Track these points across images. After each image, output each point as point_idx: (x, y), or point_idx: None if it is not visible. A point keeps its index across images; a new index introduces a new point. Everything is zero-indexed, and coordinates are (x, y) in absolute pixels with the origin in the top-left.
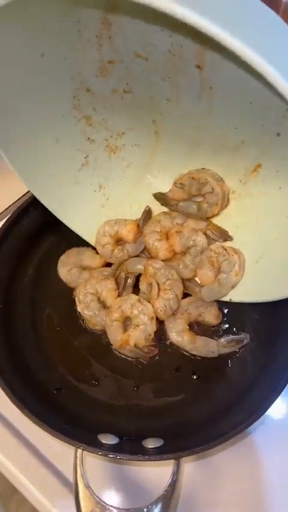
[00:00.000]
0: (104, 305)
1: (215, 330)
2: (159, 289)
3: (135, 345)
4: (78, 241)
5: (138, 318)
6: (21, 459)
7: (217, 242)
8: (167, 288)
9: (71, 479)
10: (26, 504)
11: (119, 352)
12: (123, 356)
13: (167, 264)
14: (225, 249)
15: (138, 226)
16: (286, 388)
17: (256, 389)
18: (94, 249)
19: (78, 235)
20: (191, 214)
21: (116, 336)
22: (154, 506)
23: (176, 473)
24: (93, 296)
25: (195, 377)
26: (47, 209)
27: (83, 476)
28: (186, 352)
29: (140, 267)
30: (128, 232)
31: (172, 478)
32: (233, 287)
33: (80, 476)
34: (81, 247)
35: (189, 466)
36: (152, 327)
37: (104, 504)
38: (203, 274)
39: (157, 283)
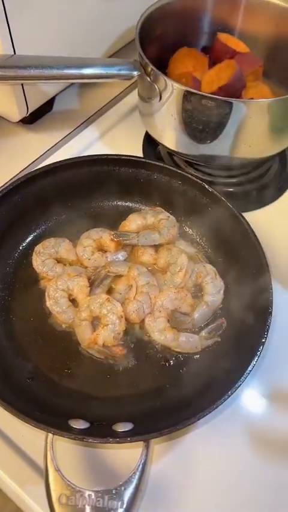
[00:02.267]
0: (73, 303)
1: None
2: (136, 292)
3: (103, 345)
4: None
5: (107, 317)
6: None
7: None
8: (144, 290)
9: (42, 465)
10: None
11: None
12: None
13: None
14: (215, 273)
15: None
16: (254, 370)
17: (224, 372)
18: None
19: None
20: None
21: (84, 335)
22: (123, 488)
23: (146, 456)
24: (63, 292)
25: (167, 364)
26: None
27: (53, 460)
28: (171, 350)
29: (122, 269)
30: (110, 241)
31: (141, 460)
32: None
33: (50, 460)
34: (59, 238)
35: (161, 447)
36: (120, 326)
37: (73, 487)
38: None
39: (136, 286)
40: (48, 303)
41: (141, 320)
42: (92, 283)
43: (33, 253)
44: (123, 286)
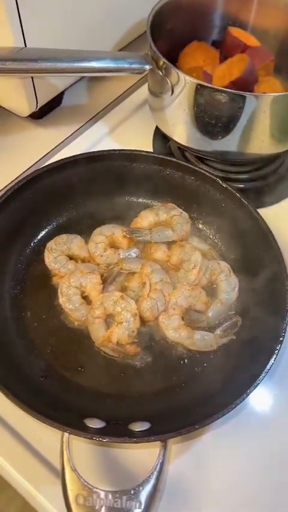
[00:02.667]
0: (86, 300)
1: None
2: (150, 290)
3: (117, 343)
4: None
5: (121, 315)
6: (7, 447)
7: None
8: (158, 287)
9: (58, 466)
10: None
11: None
12: None
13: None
14: (229, 270)
15: None
16: (272, 369)
17: (241, 372)
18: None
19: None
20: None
21: (98, 333)
22: (141, 488)
23: (163, 456)
24: (76, 289)
25: (182, 362)
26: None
27: (69, 460)
28: (186, 348)
29: (135, 266)
30: (123, 238)
31: (159, 460)
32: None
33: (66, 460)
34: (72, 234)
35: (178, 448)
36: (135, 324)
37: (91, 487)
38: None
39: (150, 283)
40: (61, 300)
41: (155, 318)
42: (105, 280)
43: (45, 250)
44: (136, 284)
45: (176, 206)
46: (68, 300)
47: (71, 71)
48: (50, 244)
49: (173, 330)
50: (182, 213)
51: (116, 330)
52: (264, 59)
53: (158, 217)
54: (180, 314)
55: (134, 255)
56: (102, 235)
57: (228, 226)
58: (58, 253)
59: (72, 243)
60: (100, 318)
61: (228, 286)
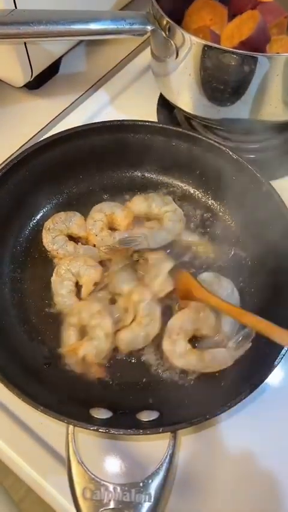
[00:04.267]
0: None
1: None
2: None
3: (84, 358)
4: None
5: (95, 331)
6: (12, 436)
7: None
8: (143, 322)
9: (64, 454)
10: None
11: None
12: None
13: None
14: (216, 276)
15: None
16: (285, 357)
17: (253, 360)
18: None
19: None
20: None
21: (67, 340)
22: (150, 481)
23: (173, 447)
24: (72, 276)
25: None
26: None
27: (75, 452)
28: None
29: (124, 288)
30: (123, 218)
31: (168, 451)
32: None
33: (72, 452)
34: (70, 212)
35: (187, 439)
36: (106, 344)
37: (98, 480)
38: None
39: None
40: (53, 279)
41: (130, 351)
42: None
43: (43, 230)
44: (121, 307)
45: (172, 201)
46: (60, 282)
47: (66, 34)
48: (48, 223)
49: (180, 356)
50: (176, 209)
51: (85, 344)
52: (277, 15)
53: (150, 209)
54: (185, 338)
55: (131, 240)
56: (101, 212)
57: (239, 200)
58: (56, 233)
59: (71, 221)
60: (74, 326)
61: (225, 290)
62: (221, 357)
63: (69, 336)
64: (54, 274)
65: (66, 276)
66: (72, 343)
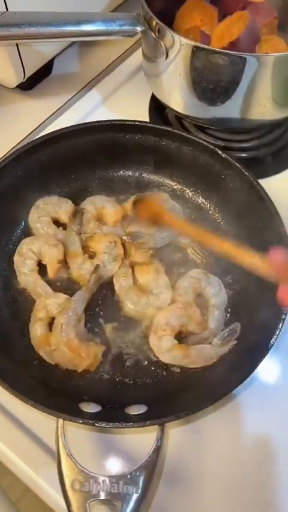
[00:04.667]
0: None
1: None
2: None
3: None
4: None
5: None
6: (4, 431)
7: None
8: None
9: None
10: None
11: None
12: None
13: None
14: (205, 273)
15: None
16: (271, 351)
17: (241, 353)
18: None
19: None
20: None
21: (35, 333)
22: (138, 473)
23: (160, 439)
24: (33, 255)
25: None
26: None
27: (65, 446)
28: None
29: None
30: (113, 214)
31: (156, 444)
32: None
33: (62, 446)
34: (63, 198)
35: (175, 432)
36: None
37: (87, 472)
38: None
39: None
40: (16, 258)
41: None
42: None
43: (32, 207)
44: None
45: (169, 198)
46: (22, 261)
47: (57, 36)
48: (39, 202)
49: (166, 352)
50: (175, 206)
51: (54, 333)
52: (267, 15)
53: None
54: (172, 334)
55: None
56: (92, 205)
57: (229, 198)
58: (43, 214)
59: (61, 207)
60: (42, 320)
61: (213, 288)
62: (206, 353)
63: (36, 330)
64: (16, 254)
65: (28, 254)
66: (40, 334)
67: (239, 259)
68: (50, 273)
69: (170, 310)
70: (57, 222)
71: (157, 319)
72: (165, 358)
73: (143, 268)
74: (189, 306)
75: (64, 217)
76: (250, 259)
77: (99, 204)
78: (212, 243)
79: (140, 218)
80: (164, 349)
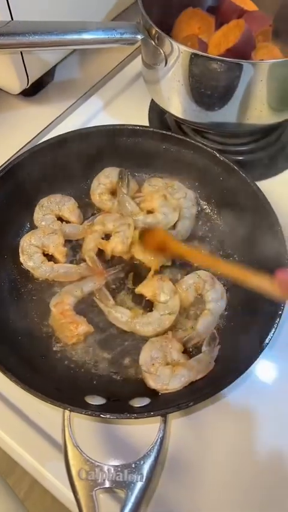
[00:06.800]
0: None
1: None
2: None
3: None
4: None
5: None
6: (10, 425)
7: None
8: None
9: (61, 441)
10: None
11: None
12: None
13: None
14: (212, 278)
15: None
16: (268, 347)
17: (240, 347)
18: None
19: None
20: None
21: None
22: (142, 462)
23: (163, 430)
24: (36, 248)
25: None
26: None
27: (71, 437)
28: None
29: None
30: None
31: (159, 434)
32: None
33: (68, 436)
34: (66, 196)
35: (177, 423)
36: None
37: (93, 462)
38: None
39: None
40: (22, 258)
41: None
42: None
43: (37, 206)
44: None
45: (182, 185)
46: (29, 258)
47: (60, 44)
48: (43, 201)
49: (171, 378)
50: (186, 194)
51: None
52: (262, 24)
53: (166, 199)
54: (164, 364)
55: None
56: (108, 178)
57: (227, 201)
58: (48, 212)
59: (65, 205)
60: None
61: (215, 294)
62: (204, 361)
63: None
64: (20, 255)
65: (31, 250)
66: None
67: (247, 283)
68: (60, 258)
69: (149, 347)
70: (60, 220)
71: (142, 360)
72: (176, 386)
73: (147, 283)
74: (164, 339)
75: (67, 215)
76: (258, 282)
77: (115, 178)
78: (219, 268)
79: (147, 249)
80: (167, 382)
